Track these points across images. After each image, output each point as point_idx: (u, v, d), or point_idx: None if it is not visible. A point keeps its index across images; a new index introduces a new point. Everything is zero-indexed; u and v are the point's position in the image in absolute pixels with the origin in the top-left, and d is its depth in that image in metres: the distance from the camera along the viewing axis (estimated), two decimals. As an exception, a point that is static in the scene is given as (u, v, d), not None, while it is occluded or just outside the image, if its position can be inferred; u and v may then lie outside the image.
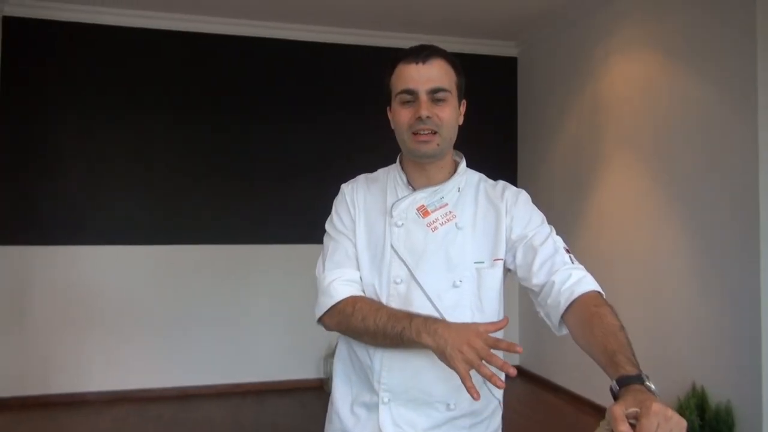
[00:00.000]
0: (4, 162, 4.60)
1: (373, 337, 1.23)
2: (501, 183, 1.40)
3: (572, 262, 1.27)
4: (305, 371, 4.99)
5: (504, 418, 1.41)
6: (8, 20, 4.61)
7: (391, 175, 1.40)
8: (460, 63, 1.34)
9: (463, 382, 1.03)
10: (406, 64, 1.26)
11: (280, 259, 5.04)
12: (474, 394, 1.01)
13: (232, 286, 4.99)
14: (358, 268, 1.33)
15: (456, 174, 1.35)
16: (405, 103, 1.26)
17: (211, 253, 4.98)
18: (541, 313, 1.28)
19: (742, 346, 3.20)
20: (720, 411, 3.18)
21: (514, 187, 1.39)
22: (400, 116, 1.27)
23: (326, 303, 1.29)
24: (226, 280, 4.97)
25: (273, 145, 5.10)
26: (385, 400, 1.28)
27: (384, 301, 1.29)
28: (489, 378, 1.03)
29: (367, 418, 1.31)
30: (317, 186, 4.70)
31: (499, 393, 1.38)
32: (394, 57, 1.32)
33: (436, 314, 1.25)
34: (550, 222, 1.38)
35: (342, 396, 1.37)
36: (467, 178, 1.38)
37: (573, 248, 4.98)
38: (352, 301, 1.27)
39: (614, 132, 4.26)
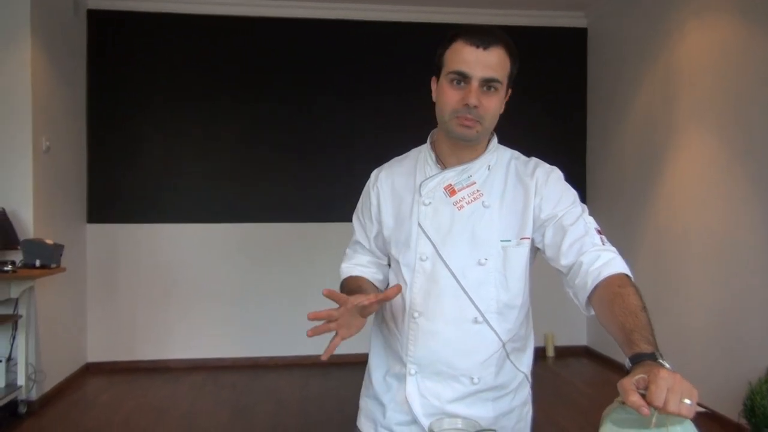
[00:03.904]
0: (95, 149, 4.98)
1: None
2: (534, 160, 1.37)
3: (603, 244, 1.23)
4: (368, 346, 5.10)
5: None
6: (92, 13, 4.93)
7: (422, 155, 1.41)
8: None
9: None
10: (466, 45, 1.22)
11: (346, 237, 5.14)
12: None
13: (301, 263, 5.18)
14: (369, 250, 1.48)
15: (486, 152, 1.34)
16: (455, 83, 1.24)
17: (282, 231, 5.20)
18: (570, 293, 1.26)
19: (823, 330, 3.00)
20: (796, 398, 3.00)
21: (546, 165, 1.36)
22: (447, 96, 1.25)
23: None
24: (296, 256, 5.17)
25: (341, 127, 5.21)
26: (412, 372, 1.33)
27: (411, 276, 1.33)
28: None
29: (397, 388, 1.37)
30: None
31: (526, 367, 1.39)
32: (454, 30, 1.27)
33: (460, 291, 1.28)
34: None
35: (377, 365, 1.45)
36: (498, 155, 1.37)
37: (645, 225, 4.80)
38: (343, 282, 1.44)
39: (690, 103, 4.04)
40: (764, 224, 3.38)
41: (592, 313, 1.22)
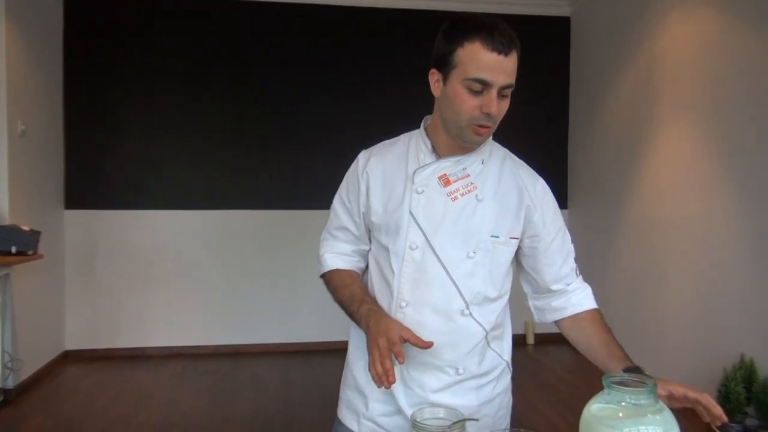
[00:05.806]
0: (72, 134, 4.88)
1: (342, 309, 1.38)
2: (526, 168, 1.39)
3: (576, 273, 1.40)
4: (348, 334, 5.12)
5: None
6: (69, -6, 4.82)
7: (413, 141, 1.38)
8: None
9: (369, 368, 1.18)
10: (487, 51, 1.16)
11: (328, 224, 5.14)
12: (376, 382, 1.16)
13: (283, 250, 5.15)
14: (356, 236, 1.43)
15: (481, 146, 1.33)
16: (472, 89, 1.19)
17: (263, 218, 5.16)
18: (533, 303, 1.43)
19: (795, 318, 3.07)
20: (768, 384, 3.08)
21: (539, 177, 1.39)
22: (465, 104, 1.20)
23: (319, 270, 1.48)
24: (276, 243, 5.14)
25: (323, 114, 5.17)
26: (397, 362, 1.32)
27: (399, 265, 1.31)
28: (377, 375, 1.16)
29: None
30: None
31: (508, 355, 1.41)
32: (464, 24, 1.20)
33: (449, 282, 1.29)
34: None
35: (358, 356, 1.42)
36: (492, 151, 1.36)
37: (626, 215, 4.88)
38: (329, 274, 1.44)
39: (671, 94, 4.08)
40: (742, 215, 3.43)
41: (548, 321, 1.42)
